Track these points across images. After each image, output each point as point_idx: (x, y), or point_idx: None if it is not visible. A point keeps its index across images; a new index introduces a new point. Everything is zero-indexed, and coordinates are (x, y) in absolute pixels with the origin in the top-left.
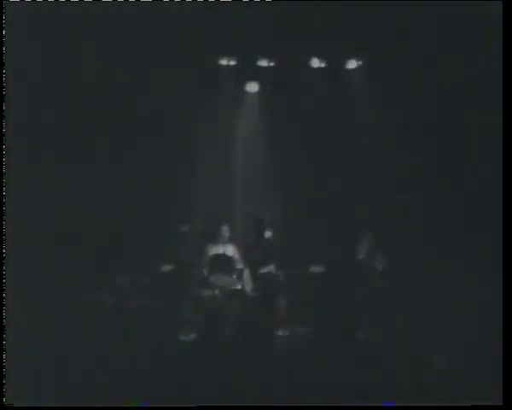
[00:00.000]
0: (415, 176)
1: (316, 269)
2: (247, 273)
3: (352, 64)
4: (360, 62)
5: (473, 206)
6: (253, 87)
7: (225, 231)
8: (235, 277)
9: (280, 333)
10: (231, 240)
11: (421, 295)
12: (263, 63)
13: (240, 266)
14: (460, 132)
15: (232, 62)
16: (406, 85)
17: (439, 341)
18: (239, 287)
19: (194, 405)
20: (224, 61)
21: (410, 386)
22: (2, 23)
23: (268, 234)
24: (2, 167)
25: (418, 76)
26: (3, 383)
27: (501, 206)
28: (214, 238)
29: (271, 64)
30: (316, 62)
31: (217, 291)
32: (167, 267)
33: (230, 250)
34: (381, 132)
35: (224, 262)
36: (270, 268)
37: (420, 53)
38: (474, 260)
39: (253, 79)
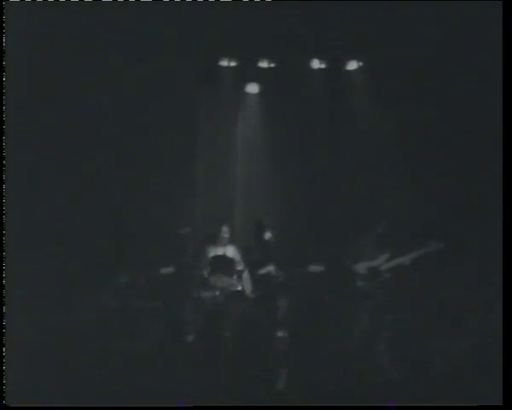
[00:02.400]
0: (415, 176)
1: (315, 269)
2: (246, 274)
3: (353, 65)
4: (360, 63)
5: (473, 206)
6: (253, 88)
7: (225, 232)
8: (235, 278)
9: (280, 334)
10: (231, 241)
11: (420, 295)
12: (263, 64)
13: (240, 267)
14: (460, 132)
15: (232, 63)
16: (406, 86)
17: (439, 341)
18: (239, 288)
19: (195, 405)
20: (224, 62)
21: (409, 386)
22: (3, 23)
23: (268, 235)
24: (2, 167)
25: (418, 76)
26: (3, 383)
27: (501, 205)
28: (214, 239)
29: (272, 65)
30: (316, 63)
31: (217, 292)
32: (167, 269)
33: (230, 251)
34: (382, 133)
35: (224, 263)
36: (270, 269)
37: (420, 53)
38: (473, 260)
39: (253, 80)
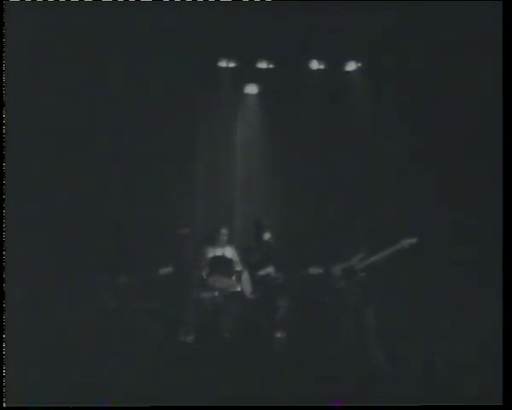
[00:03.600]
0: (415, 177)
1: (314, 271)
2: (246, 275)
3: (351, 66)
4: (359, 64)
5: (473, 206)
6: (252, 89)
7: (224, 233)
8: (234, 279)
9: (279, 335)
10: (230, 242)
11: (420, 295)
12: (262, 65)
13: (239, 268)
14: (460, 132)
15: (231, 64)
16: (406, 86)
17: (439, 341)
18: (238, 289)
19: (194, 405)
20: (223, 63)
21: (409, 386)
22: (3, 23)
23: (267, 236)
24: (2, 167)
25: (418, 77)
26: (3, 383)
27: (501, 206)
28: (213, 240)
29: (271, 66)
30: (315, 64)
31: (216, 293)
32: (165, 270)
33: (229, 252)
34: (381, 134)
35: (223, 264)
36: (270, 270)
37: (420, 54)
38: (473, 260)
39: (252, 80)
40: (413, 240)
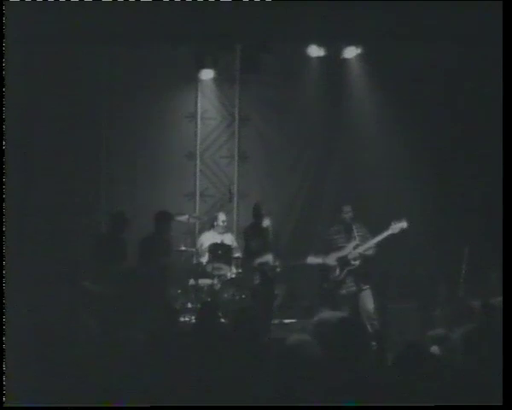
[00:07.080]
0: (414, 170)
1: (313, 260)
2: (244, 262)
3: (351, 52)
4: (359, 50)
5: (472, 204)
6: (250, 76)
7: (223, 220)
8: (232, 266)
9: (277, 322)
10: (229, 229)
11: (420, 293)
12: (262, 53)
13: (237, 254)
14: (459, 131)
15: (230, 52)
16: (405, 80)
17: (438, 340)
18: (236, 276)
19: (193, 404)
20: (222, 51)
21: (408, 385)
22: (3, 23)
23: (266, 223)
24: (2, 168)
25: (417, 73)
26: (3, 383)
27: (501, 205)
28: (212, 227)
29: (270, 53)
30: (314, 51)
31: (215, 280)
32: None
33: (228, 239)
34: (381, 124)
35: (221, 251)
36: (268, 258)
37: (419, 52)
38: (474, 258)
39: (251, 68)
40: (403, 224)
